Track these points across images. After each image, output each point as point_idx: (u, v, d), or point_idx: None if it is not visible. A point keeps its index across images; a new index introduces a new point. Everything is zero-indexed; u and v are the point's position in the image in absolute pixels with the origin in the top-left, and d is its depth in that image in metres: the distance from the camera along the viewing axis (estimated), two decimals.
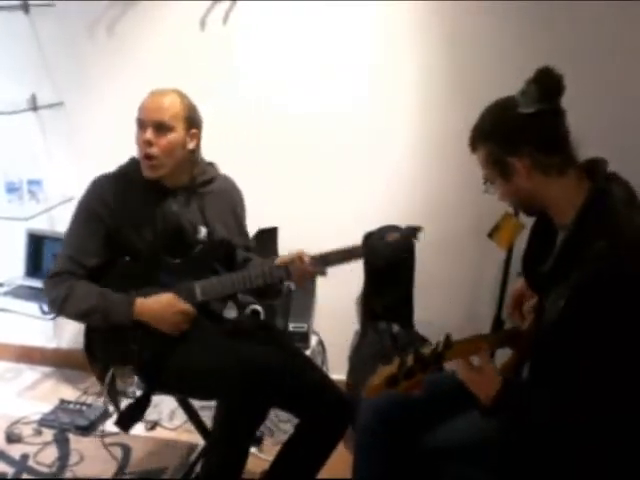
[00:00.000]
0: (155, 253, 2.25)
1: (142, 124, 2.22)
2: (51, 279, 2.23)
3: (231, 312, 2.37)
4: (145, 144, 2.20)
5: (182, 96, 2.27)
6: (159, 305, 2.20)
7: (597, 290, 1.52)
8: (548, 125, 1.66)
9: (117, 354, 2.27)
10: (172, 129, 2.21)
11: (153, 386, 2.33)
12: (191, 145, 2.28)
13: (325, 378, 2.38)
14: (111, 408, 3.16)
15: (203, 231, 2.32)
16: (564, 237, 1.68)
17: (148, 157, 2.21)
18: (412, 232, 2.26)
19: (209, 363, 2.19)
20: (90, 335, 2.33)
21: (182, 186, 2.32)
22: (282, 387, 2.18)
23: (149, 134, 2.19)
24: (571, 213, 1.64)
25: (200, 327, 2.28)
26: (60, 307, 2.21)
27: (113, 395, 2.38)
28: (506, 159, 1.66)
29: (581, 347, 1.54)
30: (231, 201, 2.45)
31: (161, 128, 2.20)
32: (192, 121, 2.27)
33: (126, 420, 2.33)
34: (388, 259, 2.20)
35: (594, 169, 1.68)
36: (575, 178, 1.67)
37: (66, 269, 2.22)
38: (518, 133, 1.66)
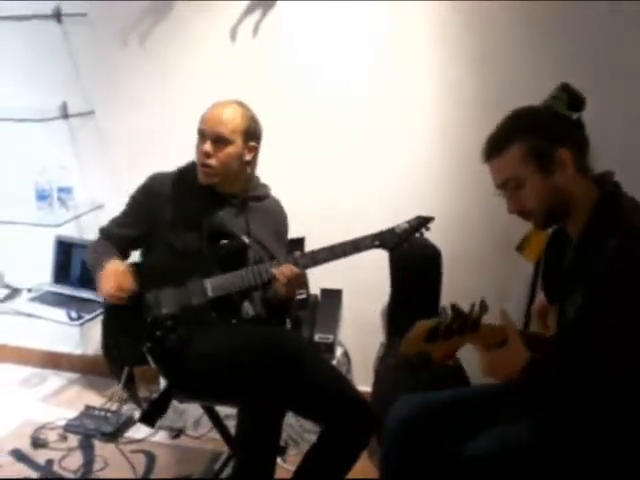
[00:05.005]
0: (194, 253, 2.33)
1: (202, 135, 2.32)
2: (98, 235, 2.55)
3: (249, 312, 2.40)
4: (204, 155, 2.30)
5: (244, 109, 2.35)
6: (108, 267, 2.32)
7: (611, 286, 1.56)
8: (580, 128, 1.74)
9: (131, 354, 2.33)
10: (231, 142, 2.30)
11: (173, 379, 2.34)
12: (248, 157, 2.37)
13: (349, 385, 2.37)
14: (136, 414, 3.18)
15: (245, 241, 2.38)
16: (578, 238, 1.72)
17: (205, 166, 2.31)
18: (422, 222, 2.27)
19: (226, 356, 2.19)
20: (106, 337, 2.43)
21: (233, 194, 2.41)
22: (303, 391, 2.19)
23: (208, 146, 2.29)
24: (584, 218, 1.69)
25: (217, 328, 2.32)
26: (87, 265, 2.52)
27: (132, 392, 2.43)
28: (553, 150, 1.68)
29: (599, 338, 1.58)
30: (276, 222, 2.51)
31: (220, 141, 2.29)
32: (251, 134, 2.36)
33: (151, 415, 2.33)
34: (395, 245, 2.22)
35: (602, 179, 1.74)
36: (590, 185, 1.72)
37: (102, 232, 2.53)
38: (563, 127, 1.72)
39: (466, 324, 1.69)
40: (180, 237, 2.34)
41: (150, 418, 2.34)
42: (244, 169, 2.39)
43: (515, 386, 1.72)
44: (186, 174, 2.42)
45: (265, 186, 2.52)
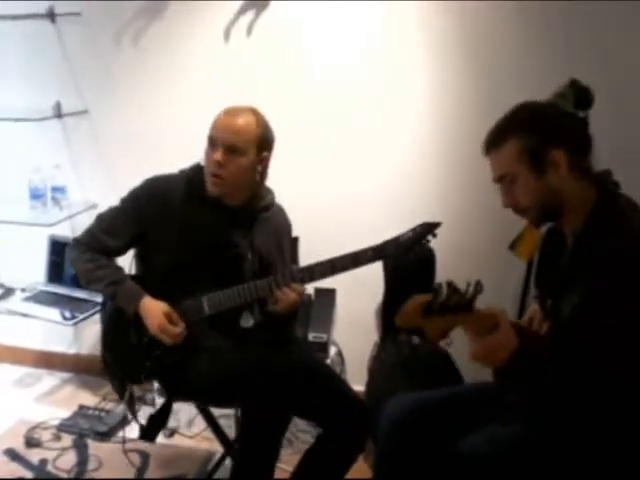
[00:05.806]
0: (195, 264, 2.24)
1: (214, 143, 2.19)
2: (74, 244, 2.37)
3: (248, 321, 2.36)
4: (215, 164, 2.17)
5: (258, 117, 2.23)
6: (157, 312, 2.21)
7: (609, 286, 1.57)
8: (582, 128, 1.73)
9: (132, 373, 2.31)
10: (244, 153, 2.18)
11: (173, 394, 2.35)
12: (259, 168, 2.26)
13: (347, 388, 2.36)
14: (129, 415, 3.18)
15: (248, 256, 2.32)
16: (575, 238, 1.73)
17: (215, 176, 2.20)
18: (427, 229, 2.12)
19: (226, 372, 2.20)
20: (106, 353, 2.37)
21: (240, 205, 2.30)
22: (301, 394, 2.18)
23: (219, 155, 2.16)
24: (581, 218, 1.70)
25: (215, 338, 2.31)
26: (79, 276, 2.35)
27: (131, 406, 2.41)
28: (546, 151, 1.68)
29: (596, 337, 1.58)
30: (280, 232, 2.43)
31: (233, 151, 2.17)
32: (264, 144, 2.24)
33: (150, 431, 2.35)
34: (400, 256, 2.13)
35: (601, 178, 1.74)
36: (589, 185, 1.72)
37: (85, 242, 2.33)
38: (560, 127, 1.71)
39: (461, 302, 1.67)
40: (184, 246, 2.24)
41: (150, 433, 2.36)
42: (254, 179, 2.28)
43: (509, 385, 1.72)
44: (193, 179, 2.29)
45: (271, 192, 2.42)
